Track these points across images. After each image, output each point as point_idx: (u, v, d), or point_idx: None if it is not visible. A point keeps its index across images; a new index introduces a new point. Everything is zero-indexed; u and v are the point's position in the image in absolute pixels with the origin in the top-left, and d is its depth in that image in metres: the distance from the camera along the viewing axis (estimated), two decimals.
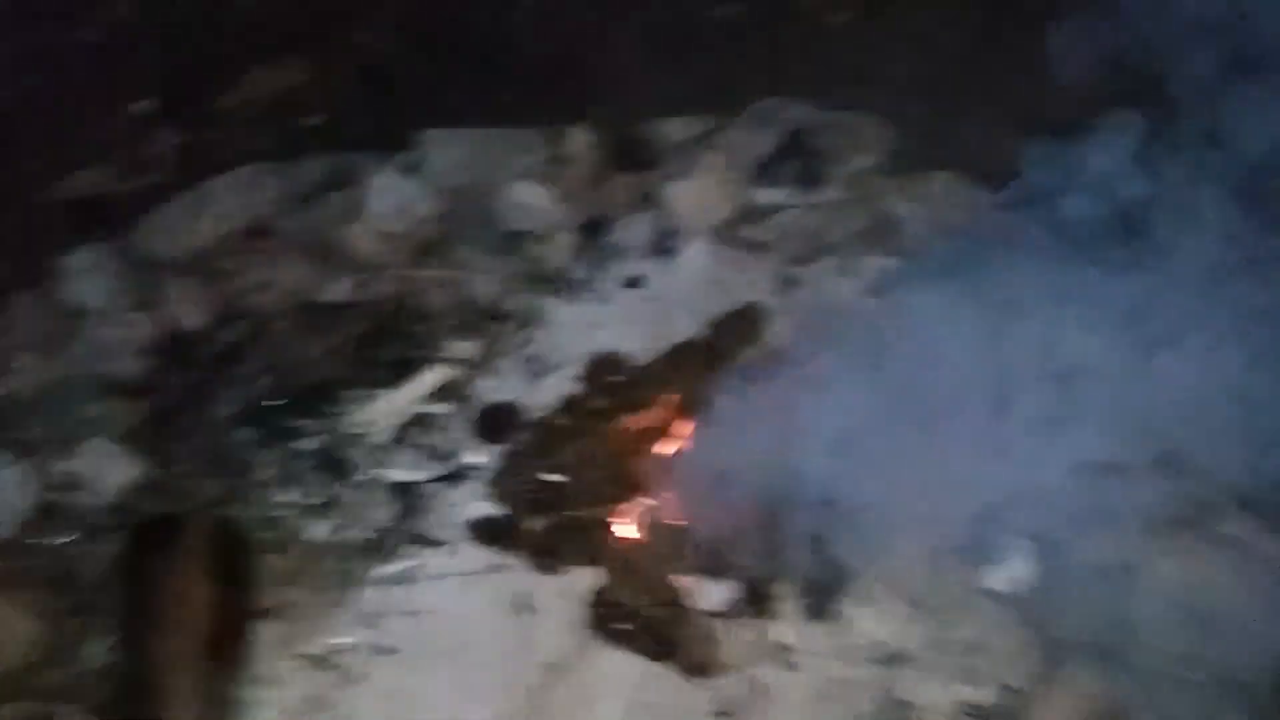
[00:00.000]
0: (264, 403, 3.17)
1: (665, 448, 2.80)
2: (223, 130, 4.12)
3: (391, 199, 3.48)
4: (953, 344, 2.64)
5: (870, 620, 2.60)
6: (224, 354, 3.33)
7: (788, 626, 2.61)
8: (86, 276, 3.42)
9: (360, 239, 3.48)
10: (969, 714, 2.48)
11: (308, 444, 3.07)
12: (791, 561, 2.61)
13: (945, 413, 2.58)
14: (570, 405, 2.96)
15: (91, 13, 4.36)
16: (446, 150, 3.65)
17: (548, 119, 3.78)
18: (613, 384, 2.95)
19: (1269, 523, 2.61)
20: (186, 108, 4.21)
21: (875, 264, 3.20)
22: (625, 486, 2.75)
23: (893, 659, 2.56)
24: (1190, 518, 2.61)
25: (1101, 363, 2.63)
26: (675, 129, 3.71)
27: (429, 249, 3.49)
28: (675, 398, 2.86)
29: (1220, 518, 2.61)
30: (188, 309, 3.39)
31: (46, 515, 2.92)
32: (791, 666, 2.56)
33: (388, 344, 3.28)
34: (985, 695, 2.50)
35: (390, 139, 3.86)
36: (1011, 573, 2.62)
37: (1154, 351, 2.62)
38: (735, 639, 2.59)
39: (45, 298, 3.41)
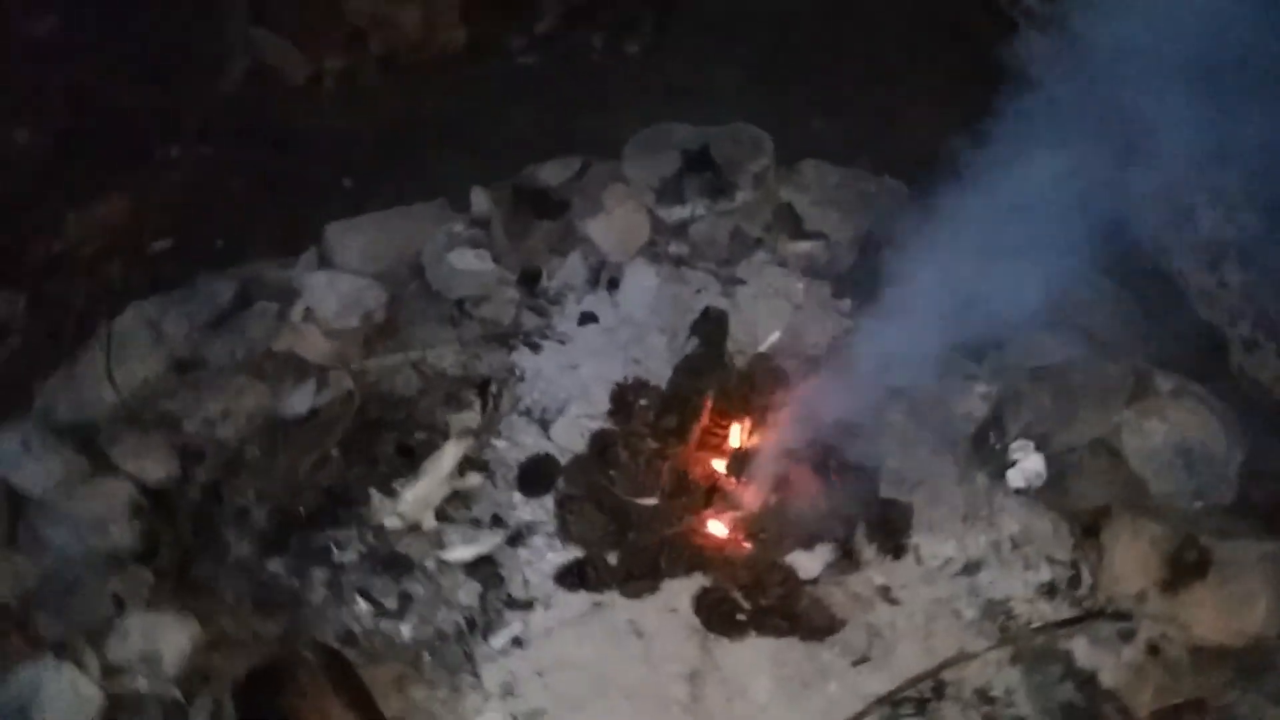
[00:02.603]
0: (281, 530, 3.05)
1: (720, 445, 3.02)
2: (68, 279, 3.85)
3: (329, 296, 3.44)
4: None
5: (937, 544, 2.97)
6: (207, 496, 3.16)
7: (876, 571, 2.93)
8: (18, 463, 3.11)
9: (307, 343, 3.41)
10: (1043, 593, 2.91)
11: (348, 555, 3.01)
12: (862, 515, 2.94)
13: None
14: (602, 437, 3.09)
15: None
16: (354, 238, 3.65)
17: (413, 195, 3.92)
18: (640, 407, 3.11)
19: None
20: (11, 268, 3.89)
21: (801, 249, 3.57)
22: (691, 492, 2.94)
23: (967, 568, 2.94)
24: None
25: None
26: (552, 173, 3.91)
27: (380, 336, 3.47)
28: (704, 401, 3.07)
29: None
30: (148, 463, 3.17)
31: (119, 709, 2.67)
32: (895, 602, 2.89)
33: (378, 438, 3.25)
34: (1046, 574, 2.94)
35: (275, 243, 3.82)
36: (1026, 473, 3.08)
37: None
38: (840, 595, 2.88)
39: None
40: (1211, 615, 2.75)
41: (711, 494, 2.94)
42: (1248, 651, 2.72)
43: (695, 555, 2.86)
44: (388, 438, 3.25)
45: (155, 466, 3.17)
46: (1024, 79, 3.64)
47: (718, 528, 2.92)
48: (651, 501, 2.92)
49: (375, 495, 3.10)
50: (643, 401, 3.11)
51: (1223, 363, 3.43)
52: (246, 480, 3.19)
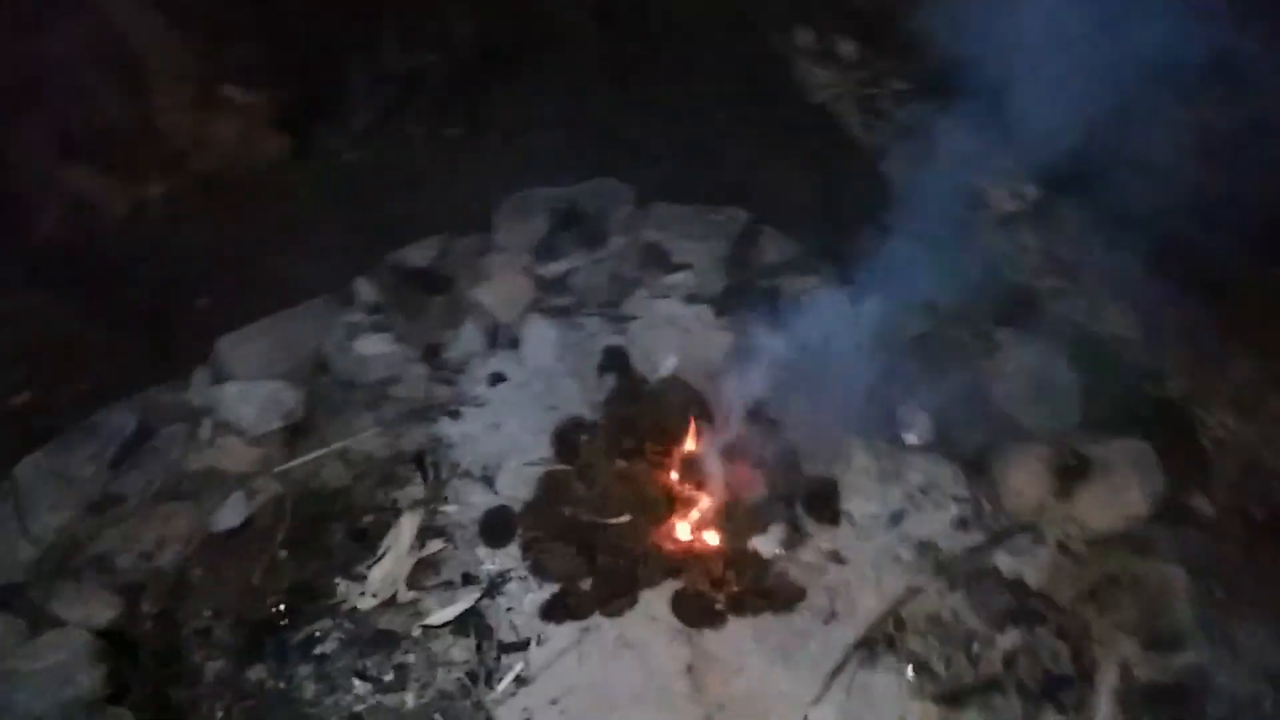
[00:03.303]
0: (251, 638, 3.06)
1: (666, 460, 3.29)
2: None
3: (243, 406, 3.47)
4: None
5: (863, 504, 3.34)
6: (162, 625, 3.13)
7: (821, 539, 3.26)
8: None
9: (228, 456, 3.44)
10: (958, 526, 3.33)
11: (330, 644, 3.05)
12: (797, 493, 3.28)
13: None
14: (553, 477, 3.30)
15: None
16: (249, 347, 3.71)
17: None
18: (584, 442, 3.33)
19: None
20: None
21: (675, 280, 3.92)
22: (653, 505, 3.19)
23: (893, 519, 3.33)
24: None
25: None
26: (419, 253, 4.11)
27: (299, 435, 3.53)
28: (641, 427, 3.34)
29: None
30: (92, 608, 3.10)
31: None
32: (843, 562, 3.22)
33: (325, 531, 3.32)
34: (954, 511, 3.37)
35: (147, 372, 3.81)
36: (919, 430, 3.52)
37: None
38: (797, 567, 3.19)
39: None
40: (1099, 508, 3.25)
41: (673, 503, 3.18)
42: (1134, 530, 3.23)
43: (670, 560, 3.09)
44: (334, 528, 3.32)
45: (101, 609, 3.11)
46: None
47: (684, 531, 3.16)
48: (623, 519, 3.13)
49: (341, 583, 3.16)
50: (584, 438, 3.33)
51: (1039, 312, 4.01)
52: (198, 601, 3.18)
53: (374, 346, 3.63)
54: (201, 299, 4.26)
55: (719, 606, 3.07)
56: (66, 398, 3.78)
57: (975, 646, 3.04)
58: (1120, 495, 3.24)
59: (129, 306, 4.15)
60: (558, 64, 5.28)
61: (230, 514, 3.34)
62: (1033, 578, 3.17)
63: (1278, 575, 3.23)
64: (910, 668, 3.00)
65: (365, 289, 3.84)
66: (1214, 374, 3.69)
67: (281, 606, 3.13)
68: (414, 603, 3.11)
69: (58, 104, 4.57)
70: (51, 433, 3.58)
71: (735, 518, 3.18)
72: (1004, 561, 3.21)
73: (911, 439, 3.51)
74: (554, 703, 2.92)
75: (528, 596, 3.12)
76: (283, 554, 3.28)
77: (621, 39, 5.44)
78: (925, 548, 3.26)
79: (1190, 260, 3.77)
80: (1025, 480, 3.30)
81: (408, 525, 3.22)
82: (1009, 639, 3.04)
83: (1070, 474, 3.28)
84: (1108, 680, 2.93)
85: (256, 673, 3.01)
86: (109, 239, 4.48)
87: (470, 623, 3.07)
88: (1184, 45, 3.48)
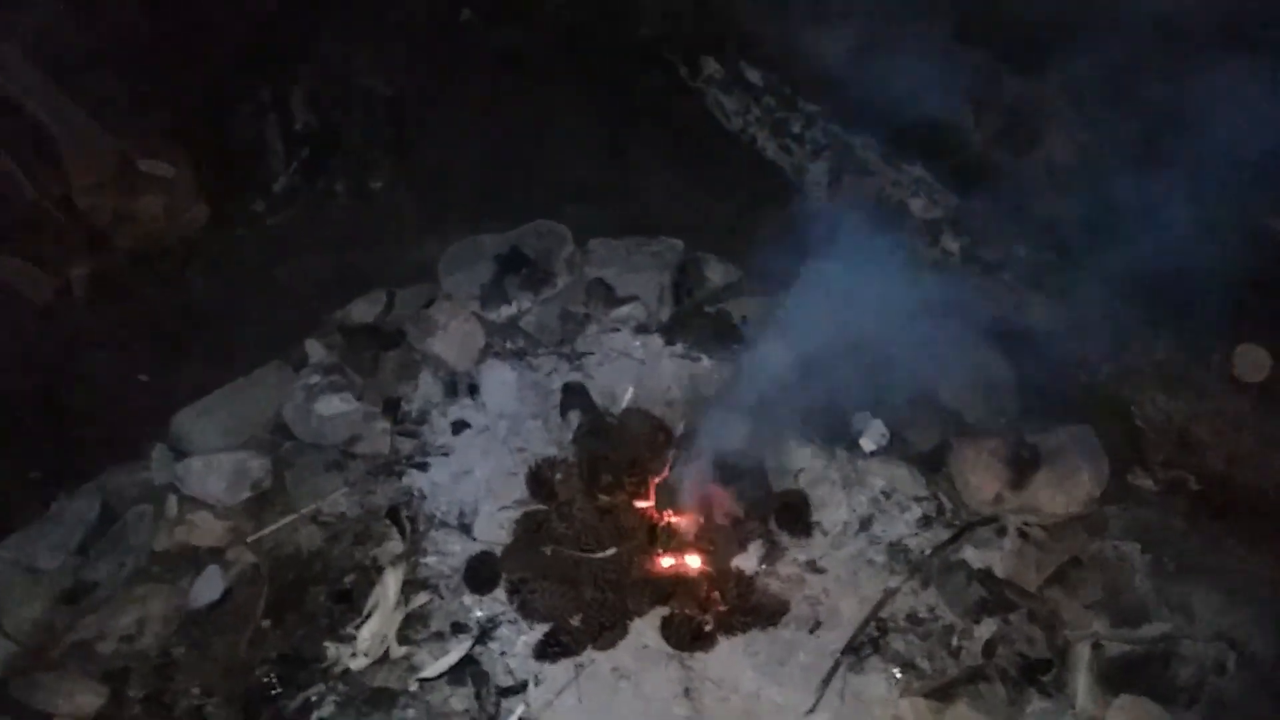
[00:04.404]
0: (247, 710, 3.04)
1: (641, 490, 3.36)
2: None
3: (211, 479, 3.45)
4: None
5: (832, 514, 3.47)
6: (151, 707, 3.09)
7: (797, 552, 3.37)
8: None
9: (199, 531, 3.41)
10: (922, 525, 3.47)
11: (326, 708, 3.05)
12: (769, 509, 3.39)
13: None
14: (533, 517, 3.34)
15: None
16: (207, 420, 3.68)
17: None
18: (558, 481, 3.39)
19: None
20: None
21: (623, 313, 4.00)
22: (635, 535, 3.26)
23: (862, 525, 3.46)
24: None
25: None
26: (363, 310, 4.13)
27: (267, 503, 3.52)
28: (614, 460, 3.41)
29: None
30: (77, 699, 3.06)
31: None
32: (820, 571, 3.34)
33: (305, 596, 3.31)
34: (917, 511, 3.52)
35: (98, 456, 3.75)
36: (873, 437, 3.66)
37: None
38: (777, 581, 3.29)
39: None
40: (1053, 495, 3.42)
41: (654, 531, 3.26)
42: (1088, 512, 3.42)
43: (658, 588, 3.16)
44: (316, 592, 3.32)
45: (87, 699, 3.07)
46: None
47: (669, 558, 3.24)
48: (609, 552, 3.19)
49: (330, 646, 3.16)
50: (558, 476, 3.39)
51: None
52: (186, 680, 3.16)
53: (333, 406, 3.63)
54: (141, 375, 4.20)
55: (708, 628, 3.16)
56: (19, 490, 3.71)
57: (955, 640, 3.18)
58: (1071, 480, 3.42)
59: (69, 391, 4.08)
60: (471, 110, 5.37)
61: (207, 588, 3.32)
62: (999, 567, 3.32)
63: (1220, 541, 3.44)
64: (897, 668, 3.11)
65: (316, 350, 3.85)
66: (1139, 356, 3.91)
67: (272, 676, 3.11)
68: (406, 657, 3.13)
69: None
70: (8, 529, 3.50)
71: (714, 540, 3.27)
72: (971, 554, 3.36)
73: (869, 445, 3.64)
74: None
75: (520, 638, 3.17)
76: (266, 623, 3.27)
77: (531, 81, 5.55)
78: (895, 549, 3.40)
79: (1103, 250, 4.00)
80: (980, 475, 3.46)
81: (391, 581, 3.23)
82: (985, 629, 3.18)
83: (1022, 465, 3.44)
84: (1082, 658, 3.08)
85: None
86: (35, 323, 4.40)
87: (466, 671, 3.10)
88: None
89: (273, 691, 3.08)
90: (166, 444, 3.66)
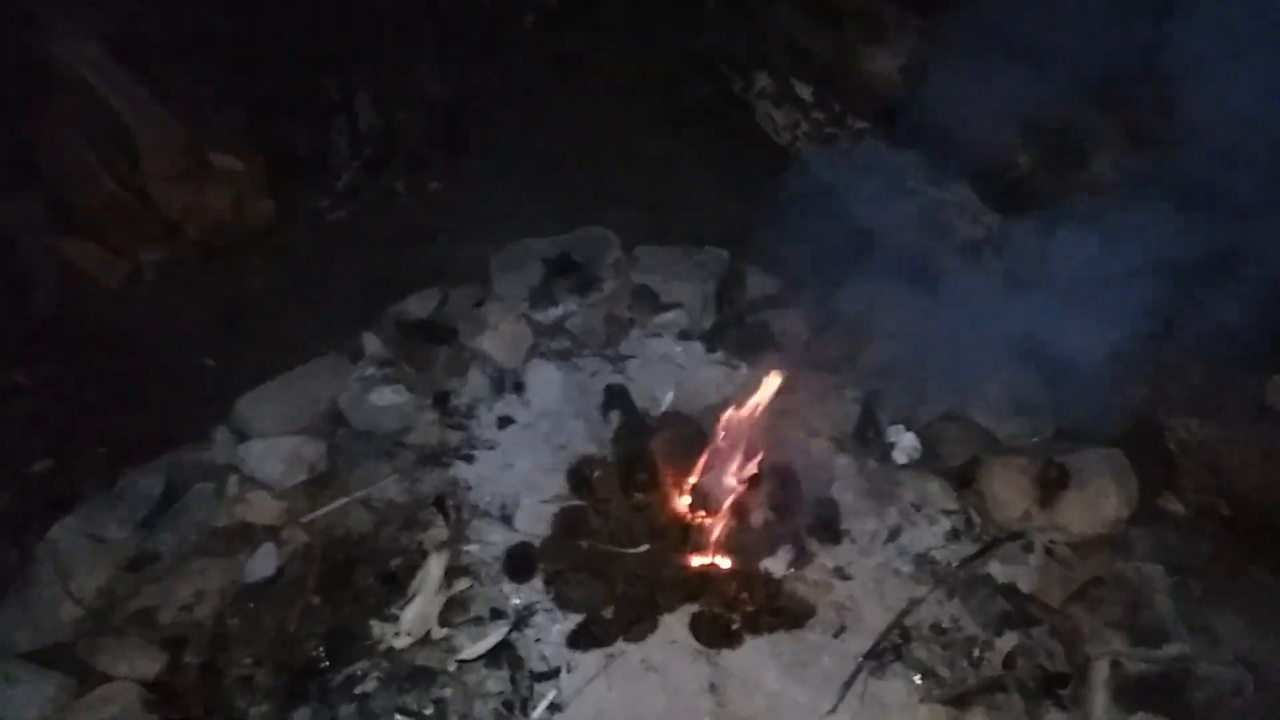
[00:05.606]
0: (295, 682, 3.20)
1: (677, 490, 3.48)
2: None
3: (269, 461, 3.63)
4: None
5: (861, 523, 3.57)
6: (206, 675, 3.26)
7: (826, 558, 3.47)
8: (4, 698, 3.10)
9: (256, 510, 3.58)
10: (950, 538, 3.56)
11: (370, 684, 3.20)
12: (800, 516, 3.50)
13: None
14: (571, 512, 3.48)
15: None
16: (267, 405, 3.85)
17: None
18: (597, 478, 3.52)
19: None
20: None
21: (667, 319, 4.13)
22: (669, 533, 3.39)
23: (890, 535, 3.55)
24: None
25: None
26: (418, 305, 4.29)
27: (322, 486, 3.68)
28: (651, 460, 3.54)
29: None
30: (137, 662, 3.23)
31: None
32: (848, 578, 3.44)
33: (354, 576, 3.46)
34: (946, 524, 3.60)
35: (162, 435, 3.94)
36: (905, 450, 3.76)
37: None
38: (805, 586, 3.40)
39: None
40: (1081, 514, 3.49)
41: (686, 530, 3.38)
42: (1114, 533, 3.49)
43: (689, 586, 3.28)
44: (364, 572, 3.47)
45: (146, 663, 3.23)
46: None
47: (701, 557, 3.36)
48: (642, 549, 3.32)
49: (375, 624, 3.31)
50: (597, 473, 3.52)
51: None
52: (239, 650, 3.31)
53: (387, 398, 3.79)
54: (208, 360, 4.40)
55: (735, 627, 3.27)
56: (87, 463, 3.91)
57: (976, 650, 3.26)
58: (1099, 501, 3.49)
59: (138, 372, 4.29)
60: (528, 115, 5.53)
61: (262, 565, 3.48)
62: (1024, 582, 3.40)
63: (1247, 567, 3.49)
64: (917, 675, 3.20)
65: (372, 343, 4.01)
66: (1174, 381, 3.97)
67: (320, 650, 3.26)
68: (447, 639, 3.27)
69: (53, 179, 4.73)
70: (77, 498, 3.70)
71: (745, 542, 3.38)
72: (996, 569, 3.44)
73: (901, 458, 3.74)
74: None
75: (555, 627, 3.29)
76: (316, 600, 3.42)
77: (587, 87, 5.71)
78: (922, 560, 3.49)
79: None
80: (1010, 492, 3.54)
81: (435, 566, 3.37)
82: (1007, 641, 3.26)
83: (1051, 483, 3.52)
84: (1100, 675, 3.15)
85: (301, 715, 3.14)
86: (106, 307, 4.62)
87: (502, 655, 3.23)
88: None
89: (320, 665, 3.23)
90: (228, 427, 3.83)
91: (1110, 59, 4.24)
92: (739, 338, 4.06)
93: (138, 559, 3.50)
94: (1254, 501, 3.67)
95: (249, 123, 5.05)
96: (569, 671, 3.20)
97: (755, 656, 3.25)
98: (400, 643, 3.26)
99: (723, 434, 3.46)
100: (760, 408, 3.44)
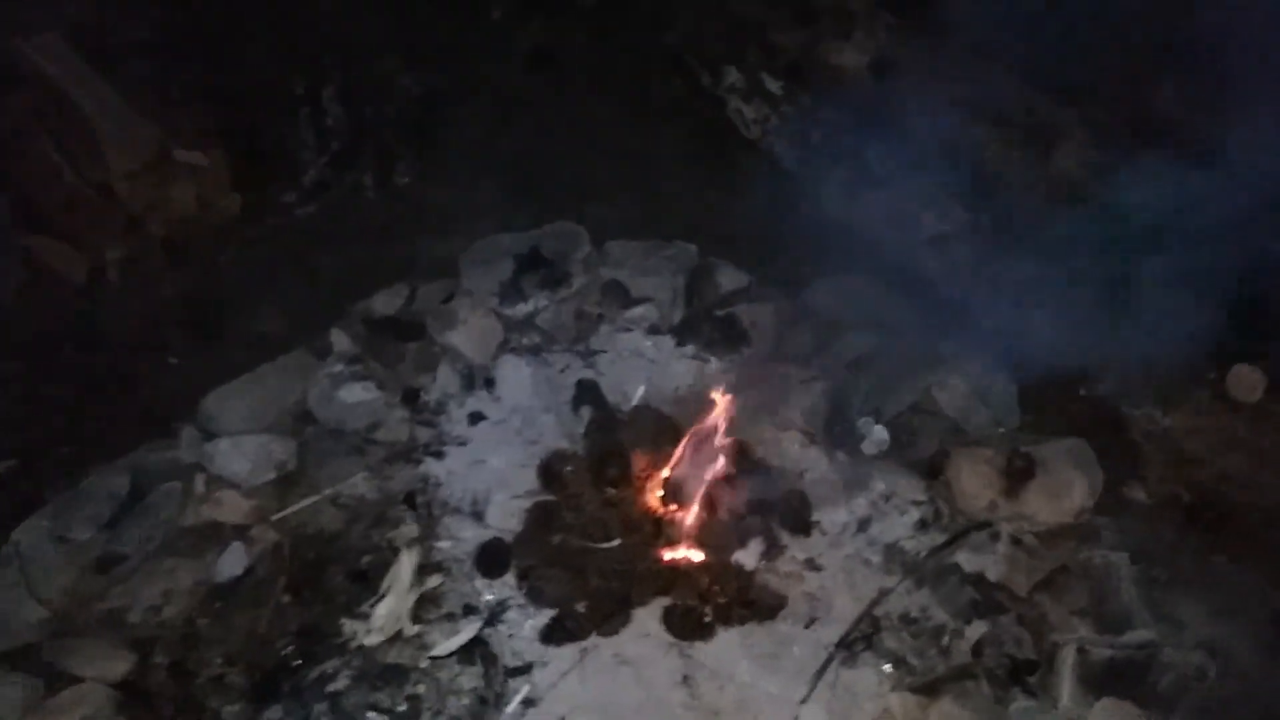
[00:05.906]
0: (266, 681, 3.18)
1: (648, 484, 3.49)
2: None
3: (237, 459, 3.60)
4: None
5: (831, 514, 3.59)
6: (176, 675, 3.23)
7: (797, 550, 3.50)
8: None
9: (225, 509, 3.55)
10: (919, 529, 3.59)
11: (341, 681, 3.19)
12: (771, 508, 3.52)
13: None
14: (543, 507, 3.48)
15: None
16: (235, 402, 3.83)
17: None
18: (568, 473, 3.53)
19: None
20: None
21: (637, 314, 4.14)
22: (641, 527, 3.40)
23: (860, 526, 3.58)
24: None
25: None
26: (385, 302, 4.28)
27: (291, 484, 3.66)
28: (623, 455, 3.55)
29: None
30: (105, 663, 3.20)
31: None
32: (818, 569, 3.46)
33: (324, 574, 3.45)
34: (914, 515, 3.63)
35: (126, 433, 3.90)
36: (875, 442, 3.79)
37: None
38: (776, 577, 3.42)
39: None
40: (1047, 504, 3.54)
41: (658, 524, 3.39)
42: (1080, 522, 3.54)
43: (661, 579, 3.29)
44: (335, 570, 3.46)
45: (114, 664, 3.20)
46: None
47: (673, 551, 3.37)
48: (614, 543, 3.33)
49: (346, 622, 3.30)
50: (569, 469, 3.53)
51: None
52: (209, 650, 3.29)
53: (356, 394, 3.78)
54: (170, 358, 4.36)
55: (707, 619, 3.28)
56: (52, 463, 3.87)
57: (945, 639, 3.29)
58: (1064, 491, 3.54)
59: (102, 369, 4.25)
60: (497, 109, 5.52)
61: (231, 564, 3.46)
62: (992, 571, 3.44)
63: (1209, 554, 3.55)
64: (888, 664, 3.23)
65: (341, 339, 3.99)
66: (1138, 373, 4.02)
67: (291, 649, 3.25)
68: (419, 636, 3.26)
69: (14, 174, 4.67)
70: (41, 499, 3.66)
71: (716, 535, 3.40)
72: (964, 559, 3.47)
73: (871, 450, 3.77)
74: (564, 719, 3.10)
75: (527, 622, 3.30)
76: (286, 599, 3.41)
77: (557, 82, 5.70)
78: (892, 550, 3.52)
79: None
80: (976, 482, 3.58)
81: (406, 563, 3.36)
82: (975, 630, 3.29)
83: (1017, 474, 3.56)
84: (1067, 661, 3.19)
85: (273, 714, 3.12)
86: (70, 304, 4.56)
87: (475, 651, 3.22)
88: None
89: (292, 664, 3.21)
90: (195, 425, 3.80)
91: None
92: (709, 332, 4.05)
93: (104, 559, 3.46)
94: (1215, 491, 3.72)
95: (214, 117, 5.00)
96: (543, 666, 3.21)
97: (727, 648, 3.26)
98: (372, 640, 3.25)
99: (693, 431, 3.46)
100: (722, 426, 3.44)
